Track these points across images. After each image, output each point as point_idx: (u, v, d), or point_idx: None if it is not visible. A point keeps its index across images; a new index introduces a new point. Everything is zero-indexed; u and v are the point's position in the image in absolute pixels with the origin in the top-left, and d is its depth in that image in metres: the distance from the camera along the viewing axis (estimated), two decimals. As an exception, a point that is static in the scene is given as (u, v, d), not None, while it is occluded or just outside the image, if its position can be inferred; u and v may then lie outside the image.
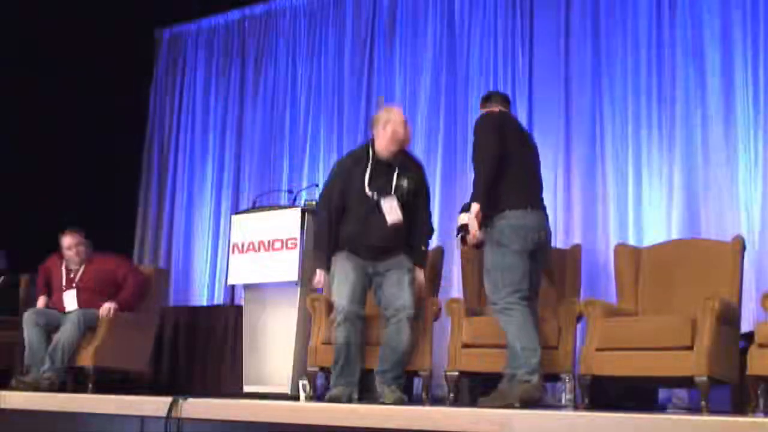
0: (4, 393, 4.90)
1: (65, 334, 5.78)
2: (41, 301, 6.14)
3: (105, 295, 6.04)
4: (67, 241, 6.10)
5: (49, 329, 5.88)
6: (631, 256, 5.26)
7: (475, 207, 4.40)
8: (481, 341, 4.89)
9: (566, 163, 6.28)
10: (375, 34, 7.44)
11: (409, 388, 5.42)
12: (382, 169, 4.87)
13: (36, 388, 5.44)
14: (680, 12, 6.06)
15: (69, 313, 5.92)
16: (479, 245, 4.56)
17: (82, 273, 6.11)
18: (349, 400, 4.61)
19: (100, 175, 7.87)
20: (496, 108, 4.74)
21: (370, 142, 4.97)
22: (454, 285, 6.20)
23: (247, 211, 6.14)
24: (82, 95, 7.79)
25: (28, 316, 5.91)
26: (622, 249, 5.33)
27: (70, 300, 6.04)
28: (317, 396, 5.23)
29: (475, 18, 6.90)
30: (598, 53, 6.32)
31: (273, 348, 5.58)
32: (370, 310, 4.94)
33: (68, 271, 6.14)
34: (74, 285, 6.07)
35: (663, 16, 6.13)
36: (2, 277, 6.99)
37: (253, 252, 5.70)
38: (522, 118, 6.02)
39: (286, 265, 5.54)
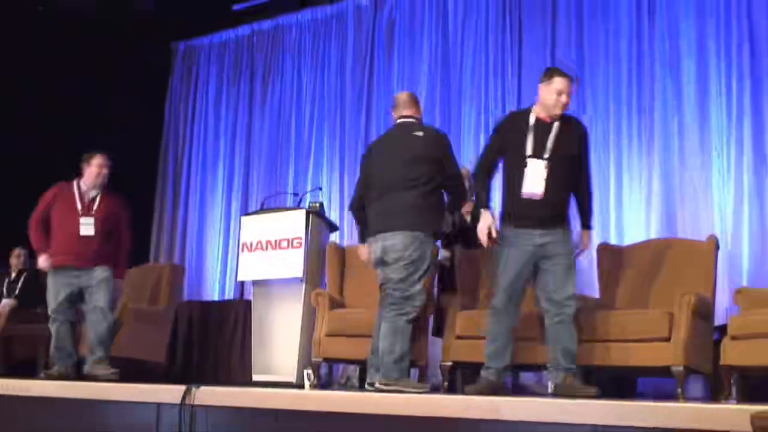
0: (26, 382, 4.92)
1: (100, 328, 5.40)
2: (43, 261, 5.46)
3: (108, 237, 5.56)
4: (102, 159, 5.59)
5: (72, 321, 5.56)
6: (612, 255, 5.28)
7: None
8: (473, 333, 4.91)
9: (552, 169, 6.30)
10: (375, 48, 7.48)
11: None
12: None
13: (62, 380, 5.34)
14: (659, 25, 6.10)
15: (92, 304, 5.44)
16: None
17: (99, 202, 5.56)
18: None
19: (117, 180, 7.88)
20: None
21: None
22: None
23: (255, 212, 6.15)
24: (101, 104, 7.80)
25: (52, 316, 5.48)
26: (604, 248, 5.34)
27: (87, 227, 5.45)
28: (320, 384, 5.26)
29: (468, 32, 6.96)
30: (582, 65, 6.37)
31: (279, 340, 5.59)
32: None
33: (82, 197, 5.54)
34: (92, 213, 5.51)
35: (642, 29, 6.18)
36: (26, 273, 7.03)
37: (261, 251, 5.71)
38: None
39: (291, 263, 5.55)
